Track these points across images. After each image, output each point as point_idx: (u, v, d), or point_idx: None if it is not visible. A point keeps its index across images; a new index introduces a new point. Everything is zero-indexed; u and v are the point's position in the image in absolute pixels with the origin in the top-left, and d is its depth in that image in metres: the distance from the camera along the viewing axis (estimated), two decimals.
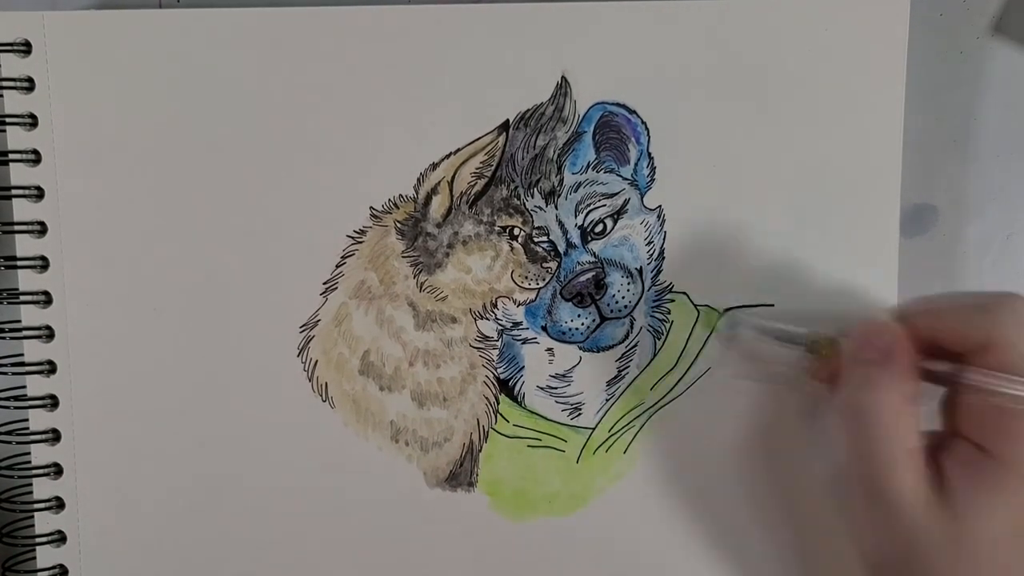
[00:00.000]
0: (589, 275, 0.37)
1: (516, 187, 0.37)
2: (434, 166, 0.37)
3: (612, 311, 0.38)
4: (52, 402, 0.38)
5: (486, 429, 0.38)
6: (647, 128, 0.37)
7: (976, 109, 0.40)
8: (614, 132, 0.37)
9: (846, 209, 0.37)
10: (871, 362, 0.30)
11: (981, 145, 0.40)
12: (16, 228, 0.37)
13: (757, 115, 0.37)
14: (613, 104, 0.37)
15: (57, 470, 0.38)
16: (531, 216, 0.37)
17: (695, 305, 0.38)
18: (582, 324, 0.38)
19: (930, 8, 0.39)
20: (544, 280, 0.37)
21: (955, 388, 0.30)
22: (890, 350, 0.30)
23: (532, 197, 0.37)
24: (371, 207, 0.37)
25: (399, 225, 0.37)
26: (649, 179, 0.38)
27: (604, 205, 0.38)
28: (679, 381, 0.38)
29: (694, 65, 0.37)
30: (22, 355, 0.38)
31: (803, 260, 0.38)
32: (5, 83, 0.36)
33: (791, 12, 0.37)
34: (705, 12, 0.37)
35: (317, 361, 0.38)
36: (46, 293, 0.37)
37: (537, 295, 0.38)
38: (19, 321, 0.37)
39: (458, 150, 0.37)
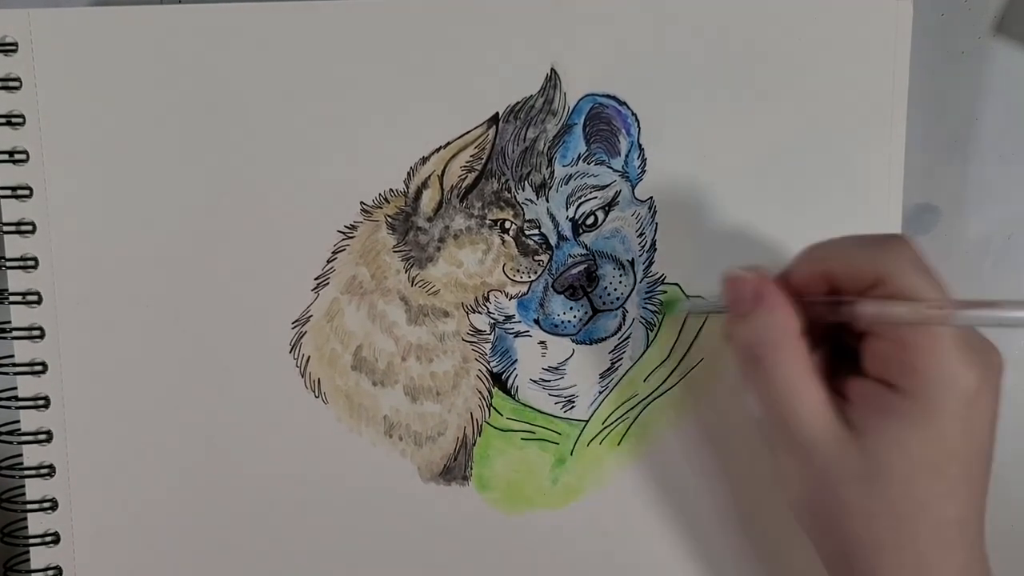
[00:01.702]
0: (581, 267, 0.37)
1: (507, 180, 0.37)
2: (424, 160, 0.37)
3: (604, 303, 0.38)
4: (44, 402, 0.38)
5: (479, 423, 0.38)
6: (637, 119, 0.37)
7: (977, 109, 0.40)
8: (604, 124, 0.37)
9: (847, 208, 0.37)
10: (745, 312, 0.30)
11: (983, 145, 0.40)
12: (5, 228, 0.37)
13: (751, 107, 0.37)
14: (603, 96, 0.37)
15: (50, 470, 0.38)
16: (522, 209, 0.37)
17: (687, 296, 0.38)
18: (574, 316, 0.38)
19: (931, 8, 0.39)
20: (536, 273, 0.37)
21: (849, 324, 0.30)
22: (758, 294, 0.30)
23: (523, 190, 0.37)
24: (362, 202, 0.37)
25: (390, 220, 0.37)
26: (640, 171, 0.38)
27: (595, 197, 0.37)
28: (672, 372, 0.38)
29: (685, 56, 0.37)
30: (12, 356, 0.37)
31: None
32: None
33: (790, 9, 0.37)
34: (697, 4, 0.36)
35: (309, 357, 0.38)
36: (36, 293, 0.37)
37: (529, 288, 0.38)
38: (9, 322, 0.37)
39: (448, 144, 0.37)
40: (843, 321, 0.30)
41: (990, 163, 0.40)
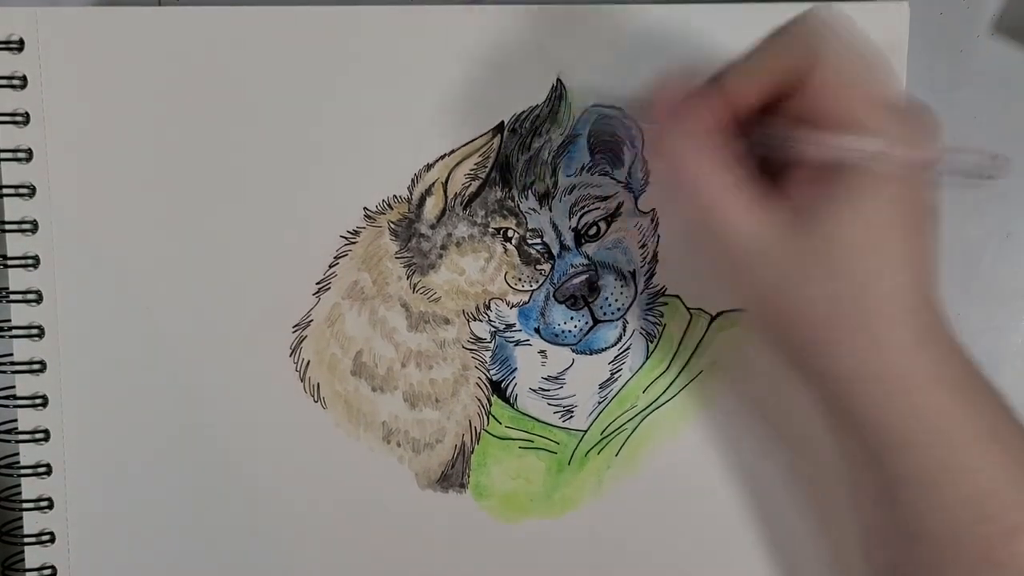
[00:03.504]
0: (582, 277, 0.37)
1: (510, 189, 0.37)
2: (428, 167, 0.37)
3: (605, 314, 0.38)
4: (42, 401, 0.38)
5: (478, 430, 0.38)
6: (641, 131, 0.37)
7: (976, 107, 0.40)
8: (609, 135, 0.37)
9: None
10: (667, 117, 0.30)
11: (980, 143, 0.40)
12: (7, 226, 0.37)
13: None
14: (608, 107, 0.37)
15: (46, 469, 0.38)
16: (525, 218, 0.37)
17: (688, 309, 0.38)
18: (575, 326, 0.38)
19: (930, 7, 0.39)
20: (537, 282, 0.37)
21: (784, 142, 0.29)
22: (674, 101, 0.30)
23: (526, 199, 0.37)
24: (365, 208, 0.37)
25: (393, 226, 0.37)
26: (643, 182, 0.38)
27: (598, 208, 0.38)
28: (671, 384, 0.38)
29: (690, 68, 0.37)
30: (11, 354, 0.37)
31: None
32: None
33: (788, 13, 0.37)
34: (700, 15, 0.37)
35: (309, 361, 0.38)
36: (37, 292, 0.37)
37: (530, 297, 0.38)
38: (8, 320, 0.37)
39: (453, 151, 0.37)
40: (785, 150, 0.29)
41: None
